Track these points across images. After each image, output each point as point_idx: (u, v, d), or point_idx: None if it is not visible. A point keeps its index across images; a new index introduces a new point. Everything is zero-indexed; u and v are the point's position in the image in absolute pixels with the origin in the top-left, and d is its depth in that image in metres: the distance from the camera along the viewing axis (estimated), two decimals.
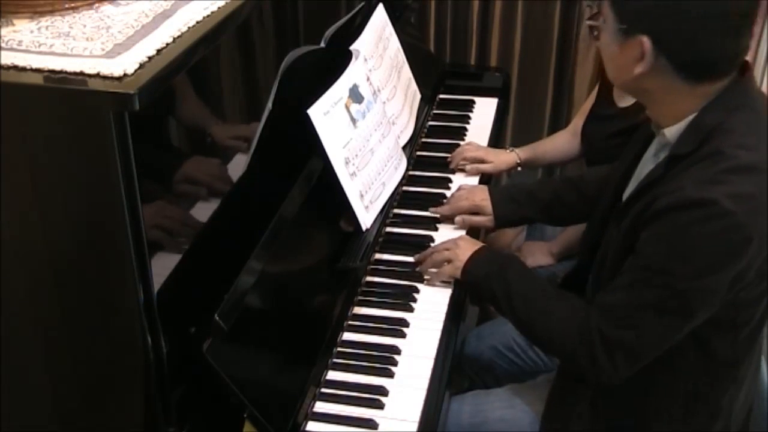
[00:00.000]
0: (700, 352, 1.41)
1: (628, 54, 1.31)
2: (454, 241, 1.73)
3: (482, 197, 1.89)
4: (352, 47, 1.83)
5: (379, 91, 1.87)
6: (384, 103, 1.91)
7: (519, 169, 2.20)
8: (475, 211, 1.89)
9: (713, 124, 1.30)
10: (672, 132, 1.36)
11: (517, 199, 1.89)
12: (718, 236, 1.26)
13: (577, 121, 2.24)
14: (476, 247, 1.68)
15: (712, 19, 1.25)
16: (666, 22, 1.27)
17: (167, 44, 1.12)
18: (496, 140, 2.31)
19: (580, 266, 1.66)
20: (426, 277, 1.74)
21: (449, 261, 1.69)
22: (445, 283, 1.73)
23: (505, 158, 2.17)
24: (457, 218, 1.89)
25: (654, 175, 1.37)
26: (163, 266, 1.23)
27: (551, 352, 1.65)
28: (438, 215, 1.92)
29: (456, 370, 1.81)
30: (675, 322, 1.34)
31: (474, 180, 2.10)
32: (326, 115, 1.64)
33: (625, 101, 2.05)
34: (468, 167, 2.11)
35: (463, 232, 1.85)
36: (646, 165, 1.47)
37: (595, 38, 1.40)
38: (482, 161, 2.12)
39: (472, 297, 1.80)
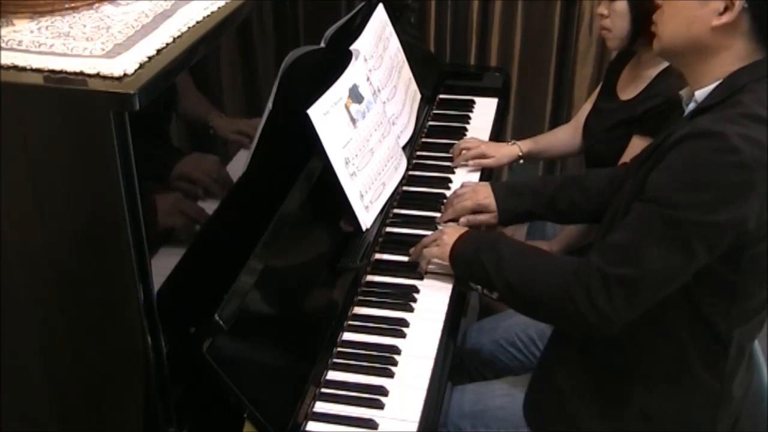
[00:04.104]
0: (693, 320, 1.41)
1: (711, 6, 1.32)
2: (440, 229, 1.75)
3: (485, 195, 1.88)
4: (352, 47, 1.83)
5: (379, 91, 1.87)
6: (384, 103, 1.91)
7: (521, 161, 2.20)
8: (479, 210, 1.87)
9: (740, 85, 1.33)
10: (703, 93, 1.39)
11: (521, 193, 1.88)
12: (723, 169, 1.27)
13: (580, 117, 2.25)
14: (462, 231, 1.69)
15: None
16: None
17: (167, 44, 1.12)
18: (496, 140, 2.31)
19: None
20: (420, 262, 1.73)
21: (437, 245, 1.70)
22: (445, 283, 1.73)
23: (507, 151, 2.17)
24: (462, 219, 1.87)
25: (674, 129, 1.38)
26: (163, 266, 1.23)
27: (547, 312, 1.53)
28: (442, 222, 1.90)
29: (457, 368, 1.81)
30: (675, 257, 1.33)
31: (475, 175, 2.10)
32: (326, 115, 1.64)
33: (627, 94, 2.05)
34: (471, 163, 2.12)
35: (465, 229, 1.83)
36: None
37: None
38: (484, 157, 2.12)
39: (462, 280, 1.76)
